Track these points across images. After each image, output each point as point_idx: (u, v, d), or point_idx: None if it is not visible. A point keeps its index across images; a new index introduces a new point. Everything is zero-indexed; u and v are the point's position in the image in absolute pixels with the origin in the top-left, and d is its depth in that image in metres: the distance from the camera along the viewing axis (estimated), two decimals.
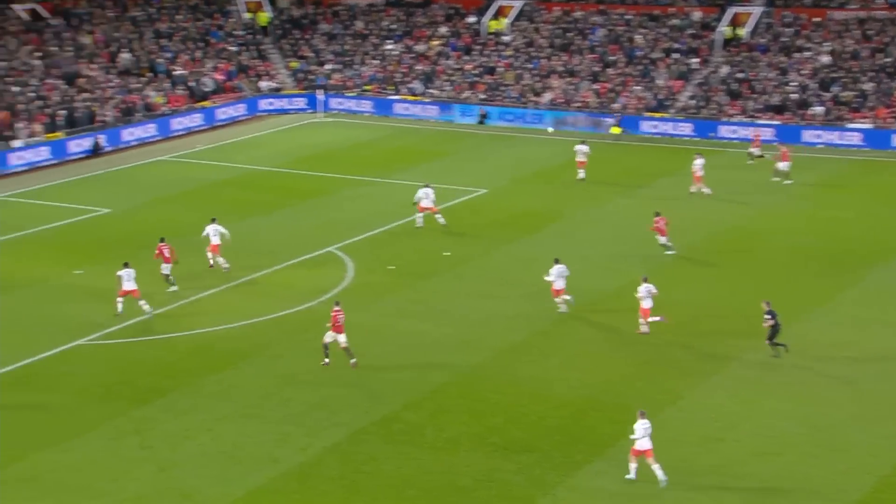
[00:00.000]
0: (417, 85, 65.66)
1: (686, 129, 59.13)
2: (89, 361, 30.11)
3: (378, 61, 68.17)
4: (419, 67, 67.09)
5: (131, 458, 24.96)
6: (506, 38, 68.35)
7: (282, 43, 70.50)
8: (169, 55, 64.95)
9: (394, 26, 70.92)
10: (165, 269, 35.32)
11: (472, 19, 70.33)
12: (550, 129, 37.80)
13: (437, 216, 42.03)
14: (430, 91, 65.32)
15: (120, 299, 33.10)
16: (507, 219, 43.90)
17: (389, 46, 69.18)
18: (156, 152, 55.45)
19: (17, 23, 62.00)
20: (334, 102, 65.53)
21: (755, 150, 52.63)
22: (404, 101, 64.88)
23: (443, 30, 70.20)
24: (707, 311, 33.77)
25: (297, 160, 53.73)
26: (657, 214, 38.94)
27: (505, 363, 30.46)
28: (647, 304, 31.93)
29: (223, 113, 62.49)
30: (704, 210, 44.77)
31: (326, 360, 29.83)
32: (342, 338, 29.62)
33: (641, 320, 32.05)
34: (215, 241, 37.21)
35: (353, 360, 29.78)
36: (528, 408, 27.78)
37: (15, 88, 55.44)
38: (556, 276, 33.33)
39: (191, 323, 32.96)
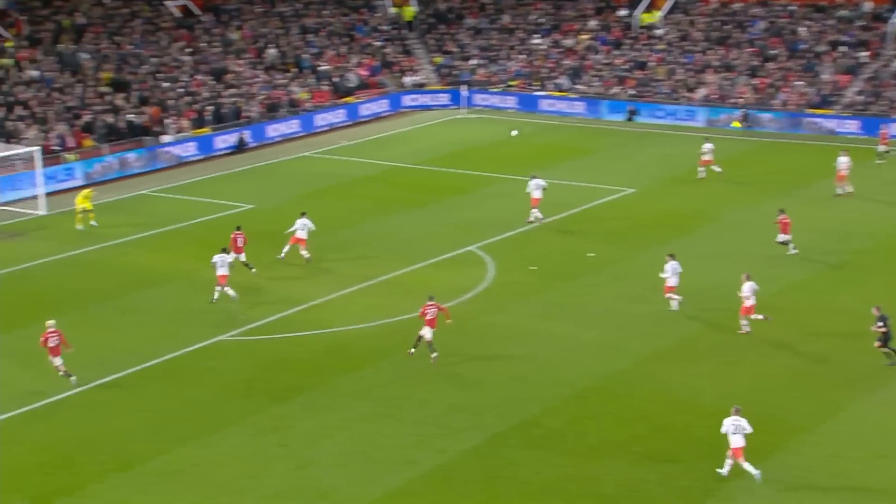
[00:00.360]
0: (564, 80, 65.24)
1: (852, 126, 57.04)
2: (231, 357, 30.90)
3: (524, 56, 68.00)
4: (567, 62, 66.63)
5: (270, 455, 25.46)
6: (658, 32, 67.25)
7: (426, 38, 71.09)
8: (314, 50, 66.29)
9: (541, 20, 70.60)
10: (241, 257, 36.32)
11: (623, 12, 69.45)
12: (514, 132, 37.83)
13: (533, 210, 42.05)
14: (577, 87, 64.79)
15: (218, 287, 33.85)
16: (655, 219, 43.15)
17: (536, 41, 68.91)
18: (299, 148, 56.66)
19: (169, 19, 64.27)
20: (478, 98, 65.70)
21: (882, 148, 50.69)
22: (550, 97, 64.57)
23: (592, 23, 69.54)
24: (873, 321, 32.41)
25: (439, 157, 54.07)
26: (781, 212, 38.12)
27: (650, 369, 29.92)
28: (749, 302, 31.46)
29: (366, 109, 63.41)
30: (870, 213, 43.09)
31: (413, 350, 30.53)
32: (428, 333, 30.10)
33: (743, 321, 31.52)
34: (301, 234, 37.85)
35: (433, 355, 30.11)
36: (675, 416, 27.22)
37: (165, 84, 57.47)
38: (671, 272, 33.16)
39: (329, 321, 33.48)
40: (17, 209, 45.28)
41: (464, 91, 65.06)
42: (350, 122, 61.95)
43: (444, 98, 66.18)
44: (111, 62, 57.66)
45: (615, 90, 63.75)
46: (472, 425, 26.81)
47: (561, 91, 64.91)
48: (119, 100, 54.67)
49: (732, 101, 60.31)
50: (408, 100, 65.85)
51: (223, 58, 62.41)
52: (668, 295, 33.34)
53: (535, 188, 42.32)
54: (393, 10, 72.21)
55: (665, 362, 30.32)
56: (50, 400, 28.06)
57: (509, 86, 66.23)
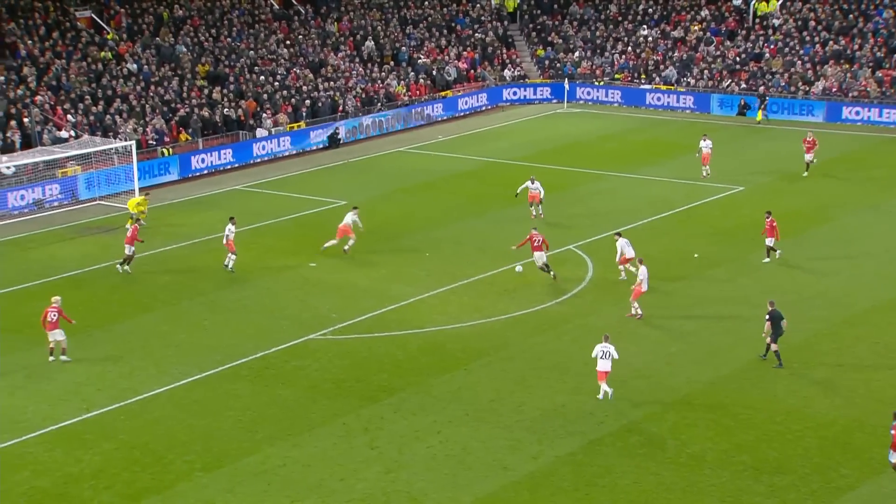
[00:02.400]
0: (672, 73, 64.41)
1: None
2: (321, 356, 31.22)
3: (630, 48, 67.34)
4: (675, 54, 65.77)
5: (359, 457, 25.64)
6: (775, 22, 65.88)
7: (529, 29, 70.91)
8: (413, 43, 66.66)
9: (650, 10, 69.78)
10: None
11: (737, 2, 68.23)
12: (518, 269, 38.32)
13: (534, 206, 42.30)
14: (686, 80, 63.93)
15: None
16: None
17: (644, 32, 68.16)
18: (395, 143, 57.04)
19: (268, 11, 65.32)
20: (581, 92, 65.34)
21: None
22: (657, 90, 63.86)
23: (704, 13, 68.48)
24: None
25: (539, 153, 53.90)
26: (768, 214, 37.53)
27: (758, 376, 29.36)
28: (643, 286, 32.70)
29: (464, 103, 63.55)
30: None
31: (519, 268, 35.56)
32: (541, 257, 35.19)
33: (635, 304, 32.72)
34: (342, 225, 38.67)
35: (552, 273, 35.23)
36: (784, 426, 26.66)
37: (261, 78, 58.42)
38: (626, 245, 34.96)
39: (423, 320, 33.62)
40: (112, 203, 46.51)
41: (566, 84, 64.72)
42: (448, 117, 62.15)
43: (545, 92, 65.99)
44: (209, 55, 58.84)
45: (727, 83, 62.70)
46: (568, 431, 26.64)
47: (668, 84, 64.11)
48: (215, 94, 55.76)
49: (854, 94, 58.83)
50: (508, 93, 65.81)
51: (320, 51, 63.16)
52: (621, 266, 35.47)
53: (534, 190, 42.63)
54: (495, 1, 72.18)
55: (773, 369, 29.71)
56: (141, 397, 28.70)
57: (614, 79, 65.69)
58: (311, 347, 31.77)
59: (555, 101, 65.24)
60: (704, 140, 48.16)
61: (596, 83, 65.61)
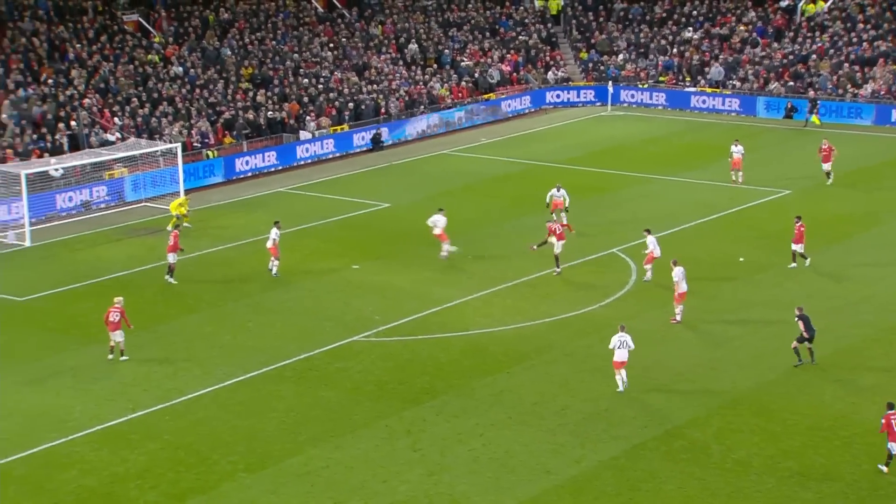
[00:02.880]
0: (717, 75, 64.00)
1: None
2: (364, 358, 31.34)
3: (675, 49, 66.98)
4: (721, 56, 65.35)
5: (402, 459, 25.72)
6: (823, 22, 65.23)
7: (573, 31, 70.75)
8: (456, 46, 66.76)
9: (695, 11, 69.39)
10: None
11: (784, 2, 67.66)
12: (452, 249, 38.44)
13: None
14: (732, 82, 63.51)
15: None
16: (811, 223, 41.85)
17: (689, 33, 67.78)
18: (438, 145, 57.16)
19: (312, 14, 65.69)
20: (625, 95, 65.10)
21: None
22: (702, 93, 63.50)
23: (751, 14, 67.96)
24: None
25: (582, 155, 53.78)
26: (798, 220, 37.10)
27: (805, 381, 29.11)
28: (681, 287, 32.75)
29: (507, 105, 63.53)
30: None
31: (557, 269, 36.90)
32: (559, 246, 36.43)
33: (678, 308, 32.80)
34: (438, 230, 38.37)
35: (557, 270, 36.52)
36: (832, 431, 26.44)
37: (305, 81, 58.75)
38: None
39: (465, 323, 33.66)
40: (158, 205, 46.97)
41: (610, 87, 64.51)
42: (490, 120, 62.17)
43: (588, 94, 65.82)
44: (254, 58, 59.28)
45: (773, 85, 62.21)
46: (611, 435, 26.56)
47: (713, 87, 63.72)
48: (260, 96, 56.15)
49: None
50: (551, 96, 65.72)
51: (364, 53, 63.42)
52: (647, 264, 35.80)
53: (559, 197, 42.25)
54: (539, 4, 72.11)
55: (821, 374, 29.45)
56: (186, 397, 28.97)
57: (658, 82, 65.40)
58: (355, 349, 31.90)
59: (598, 103, 65.05)
60: (736, 145, 47.70)
61: (640, 86, 65.35)
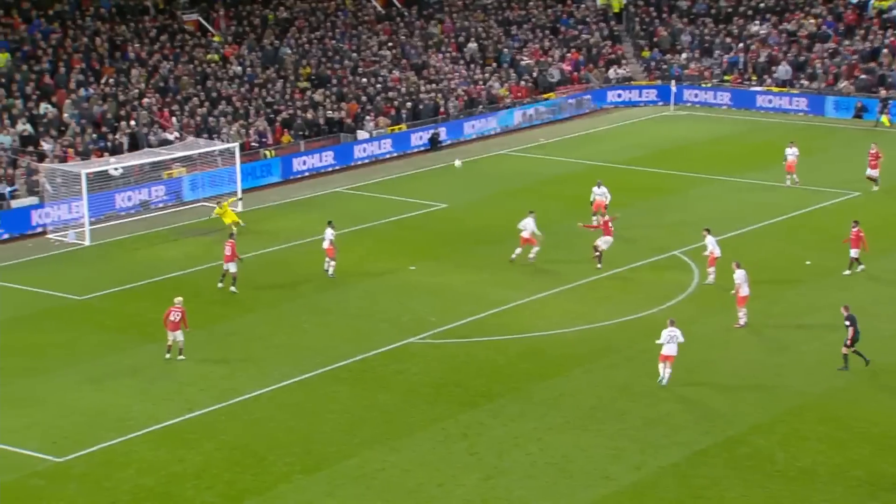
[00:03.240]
0: (784, 74, 63.15)
1: None
2: (420, 360, 31.39)
3: (741, 45, 66.16)
4: (789, 53, 64.44)
5: (458, 463, 25.71)
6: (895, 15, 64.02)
7: (635, 30, 70.27)
8: (516, 44, 66.64)
9: (762, 4, 68.43)
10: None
11: None
12: (458, 164, 37.67)
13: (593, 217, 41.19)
14: (800, 81, 62.63)
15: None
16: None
17: (755, 28, 66.91)
18: (497, 145, 57.09)
19: (371, 13, 65.96)
20: (688, 94, 64.54)
21: None
22: (768, 92, 62.76)
23: (820, 9, 66.90)
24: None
25: (643, 156, 53.42)
26: (855, 224, 36.31)
27: (874, 388, 28.71)
28: (743, 290, 32.44)
29: (567, 105, 63.24)
30: None
31: (599, 265, 37.18)
32: (604, 243, 37.20)
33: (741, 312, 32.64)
34: (526, 234, 37.98)
35: (599, 266, 36.81)
36: None
37: (363, 80, 59.00)
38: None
39: (523, 325, 33.58)
40: (214, 205, 47.35)
41: (673, 86, 63.97)
42: (550, 119, 61.96)
43: (650, 94, 65.34)
44: (312, 57, 59.66)
45: (843, 84, 61.23)
46: (672, 441, 26.35)
47: (780, 86, 62.91)
48: (318, 95, 56.49)
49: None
50: (612, 95, 65.32)
51: (423, 52, 63.55)
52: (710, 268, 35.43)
53: (600, 196, 42.07)
54: (601, 2, 71.71)
55: (890, 379, 28.98)
56: (242, 397, 29.20)
57: (723, 80, 64.74)
58: (411, 351, 31.96)
59: (660, 103, 64.55)
60: (790, 147, 46.98)
61: (704, 85, 64.73)
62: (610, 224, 37.89)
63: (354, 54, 61.22)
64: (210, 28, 59.81)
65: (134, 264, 40.23)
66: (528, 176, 50.77)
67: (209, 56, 56.82)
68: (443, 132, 57.36)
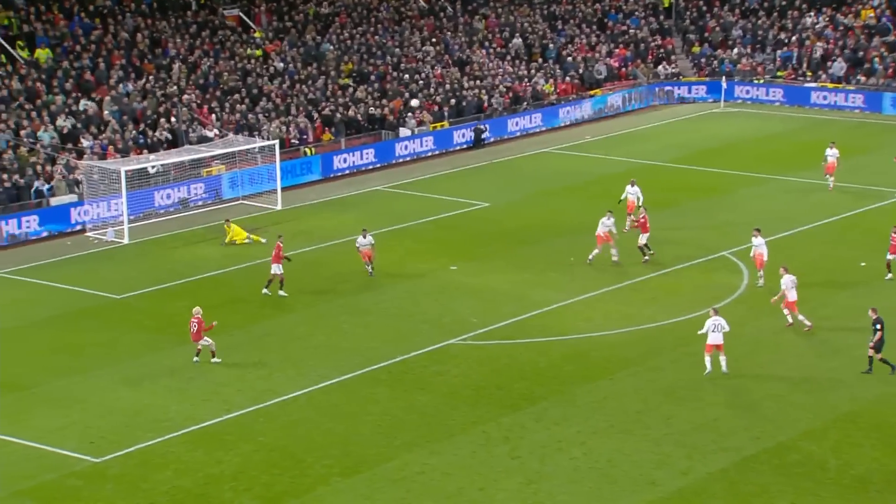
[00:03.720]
0: (839, 70, 62.37)
1: None
2: (461, 362, 31.35)
3: (795, 38, 65.40)
4: (845, 47, 63.62)
5: (500, 466, 25.65)
6: None
7: (685, 24, 69.77)
8: (563, 40, 66.41)
9: None
10: (642, 238, 38.22)
11: None
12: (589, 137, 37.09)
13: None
14: (857, 77, 61.83)
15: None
16: None
17: (810, 21, 66.12)
18: (541, 143, 56.91)
19: (414, 8, 66.01)
20: (739, 90, 64.03)
21: None
22: (823, 88, 62.09)
23: (878, 0, 65.92)
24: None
25: (692, 154, 53.08)
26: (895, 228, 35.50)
27: None
28: (791, 296, 32.07)
29: (615, 102, 62.96)
30: None
31: (646, 258, 38.06)
32: (643, 238, 37.71)
33: (786, 311, 32.29)
34: (600, 231, 37.95)
35: (645, 258, 37.58)
36: None
37: (406, 76, 59.04)
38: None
39: (566, 327, 33.46)
40: (254, 203, 47.67)
41: (723, 83, 63.44)
42: (597, 117, 61.70)
43: (700, 90, 64.90)
44: (354, 53, 59.80)
45: None
46: (720, 447, 26.14)
47: (835, 82, 62.19)
48: (360, 92, 56.60)
49: None
50: (661, 92, 64.91)
51: (467, 48, 63.49)
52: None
53: (633, 195, 41.63)
54: None
55: None
56: (280, 399, 29.32)
57: (776, 76, 64.12)
58: (451, 352, 31.94)
59: (710, 100, 64.08)
60: (831, 148, 46.16)
61: (756, 81, 64.16)
62: (647, 222, 37.96)
63: (397, 50, 61.28)
64: (251, 24, 60.15)
65: (172, 263, 40.53)
66: (572, 175, 50.58)
67: (250, 52, 57.14)
68: (486, 129, 57.20)
